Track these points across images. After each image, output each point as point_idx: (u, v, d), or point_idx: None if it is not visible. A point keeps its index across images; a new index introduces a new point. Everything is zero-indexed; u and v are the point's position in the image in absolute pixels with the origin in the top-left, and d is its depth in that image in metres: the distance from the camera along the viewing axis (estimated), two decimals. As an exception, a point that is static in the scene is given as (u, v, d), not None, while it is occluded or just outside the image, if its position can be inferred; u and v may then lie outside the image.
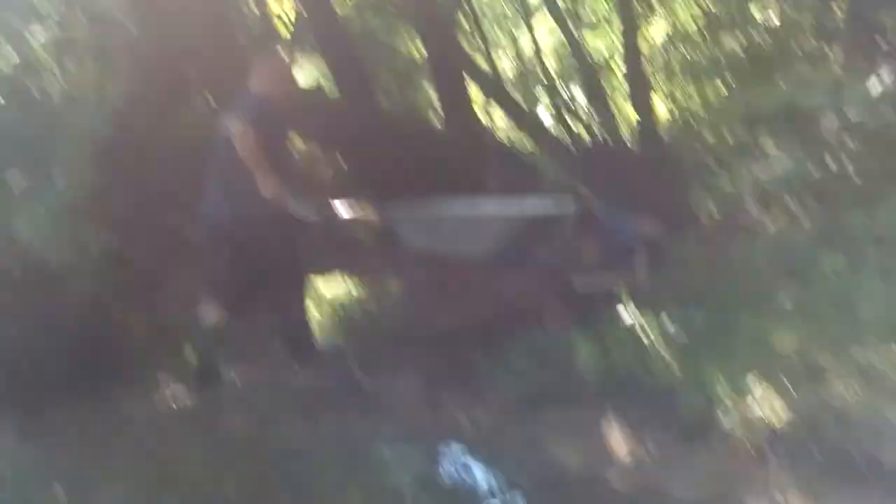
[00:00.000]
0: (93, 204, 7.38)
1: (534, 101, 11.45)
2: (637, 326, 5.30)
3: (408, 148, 8.68)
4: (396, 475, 4.64)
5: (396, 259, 7.34)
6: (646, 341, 5.16)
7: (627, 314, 5.42)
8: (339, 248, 7.53)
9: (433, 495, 4.51)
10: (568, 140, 10.39)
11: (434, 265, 7.17)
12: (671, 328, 5.19)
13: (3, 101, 8.04)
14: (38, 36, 9.28)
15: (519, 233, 6.52)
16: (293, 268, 6.47)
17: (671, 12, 10.66)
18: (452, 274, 7.14)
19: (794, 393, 4.49)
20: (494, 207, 6.85)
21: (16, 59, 8.52)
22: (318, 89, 14.56)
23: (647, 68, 10.39)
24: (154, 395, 6.54)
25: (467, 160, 7.41)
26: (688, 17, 10.80)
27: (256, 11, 13.57)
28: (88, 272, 6.79)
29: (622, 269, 5.99)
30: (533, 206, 6.72)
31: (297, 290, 6.61)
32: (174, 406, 6.38)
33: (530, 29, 11.52)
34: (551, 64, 11.91)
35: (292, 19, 14.94)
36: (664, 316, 5.29)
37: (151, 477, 5.00)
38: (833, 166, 6.74)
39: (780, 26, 9.59)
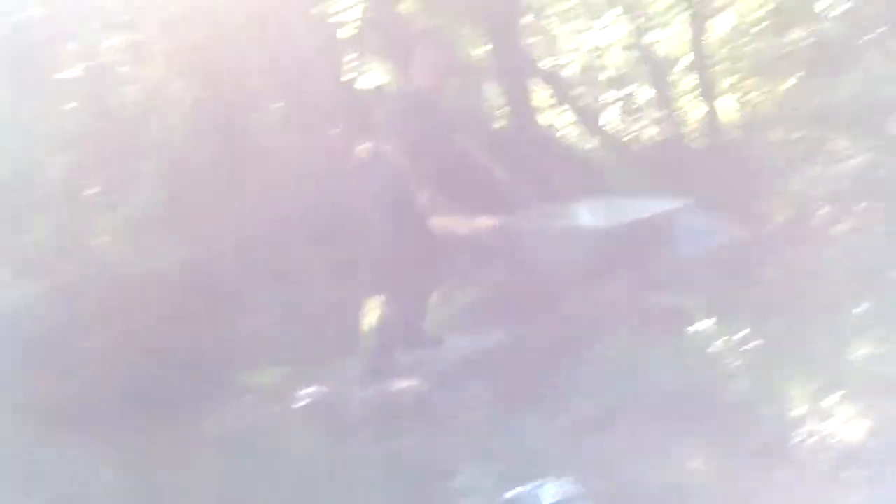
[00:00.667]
0: (170, 214, 7.49)
1: (600, 100, 11.34)
2: (712, 338, 5.24)
3: (475, 150, 8.64)
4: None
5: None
6: (721, 353, 5.10)
7: (702, 326, 5.36)
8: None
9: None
10: (636, 141, 10.29)
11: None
12: (747, 340, 5.13)
13: (77, 108, 8.15)
14: (112, 43, 9.45)
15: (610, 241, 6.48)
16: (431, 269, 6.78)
17: (737, 5, 10.51)
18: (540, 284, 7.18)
19: (874, 406, 4.41)
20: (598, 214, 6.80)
21: (90, 66, 8.64)
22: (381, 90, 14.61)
23: (713, 64, 10.26)
24: (233, 408, 6.64)
25: (535, 163, 7.35)
26: (754, 9, 10.64)
27: (323, 14, 13.64)
28: (167, 283, 6.89)
29: (699, 278, 5.92)
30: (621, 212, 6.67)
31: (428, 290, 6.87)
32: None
33: (595, 27, 11.41)
34: (617, 62, 11.79)
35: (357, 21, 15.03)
36: (739, 327, 5.22)
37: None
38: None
39: (850, 16, 9.42)
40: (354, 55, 15.01)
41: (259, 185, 11.88)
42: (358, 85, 15.14)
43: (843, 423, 4.41)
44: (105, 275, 6.64)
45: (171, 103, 10.10)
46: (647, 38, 10.65)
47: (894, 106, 6.46)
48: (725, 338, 5.21)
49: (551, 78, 10.88)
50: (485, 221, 6.84)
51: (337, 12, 14.66)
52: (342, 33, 14.77)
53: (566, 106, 11.08)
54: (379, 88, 14.52)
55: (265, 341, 8.14)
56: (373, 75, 17.03)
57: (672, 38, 11.25)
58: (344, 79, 14.43)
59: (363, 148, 6.73)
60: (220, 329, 7.79)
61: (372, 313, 7.54)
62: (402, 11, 12.85)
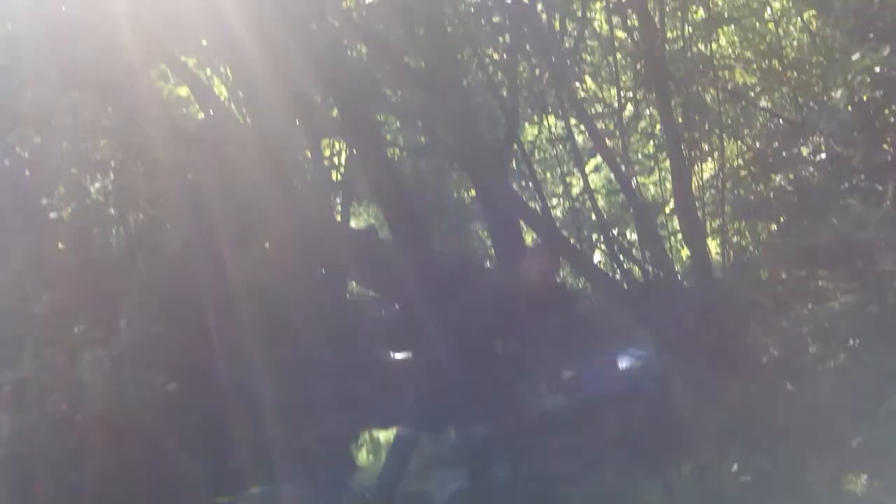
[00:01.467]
0: (154, 350, 7.49)
1: (586, 241, 11.51)
2: (705, 471, 5.20)
3: (462, 292, 8.70)
4: None
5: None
6: (715, 487, 5.05)
7: (695, 460, 5.32)
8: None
9: None
10: (622, 281, 10.38)
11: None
12: (740, 472, 5.09)
13: (66, 248, 8.21)
14: (98, 185, 9.59)
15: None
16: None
17: (720, 151, 10.73)
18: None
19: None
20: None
21: (79, 207, 8.75)
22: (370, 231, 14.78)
23: (698, 207, 10.42)
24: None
25: (523, 304, 7.38)
26: (736, 155, 10.88)
27: (310, 156, 13.89)
28: (150, 418, 6.84)
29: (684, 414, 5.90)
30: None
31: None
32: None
33: (582, 172, 11.64)
34: (602, 205, 12.02)
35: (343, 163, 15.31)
36: (732, 459, 5.18)
37: None
38: (893, 302, 6.68)
39: (830, 162, 9.63)
40: (344, 197, 15.29)
41: (247, 322, 11.91)
42: (347, 225, 15.37)
43: (841, 556, 4.36)
44: (92, 409, 6.57)
45: (158, 243, 10.20)
46: (633, 183, 10.83)
47: (876, 248, 6.54)
48: (719, 471, 5.16)
49: (539, 220, 11.02)
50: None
51: (329, 156, 14.98)
52: (333, 175, 15.08)
53: (554, 247, 11.20)
54: (367, 229, 14.73)
55: (254, 473, 8.06)
56: (362, 217, 17.29)
57: (657, 183, 11.49)
58: (333, 220, 14.66)
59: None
60: (208, 462, 7.72)
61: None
62: (391, 156, 13.13)
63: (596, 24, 11.73)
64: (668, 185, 10.96)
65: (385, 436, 11.05)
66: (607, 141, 10.78)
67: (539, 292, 6.66)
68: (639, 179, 11.32)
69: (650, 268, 9.59)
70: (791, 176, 9.84)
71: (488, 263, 14.37)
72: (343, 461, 8.89)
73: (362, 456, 9.92)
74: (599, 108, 11.49)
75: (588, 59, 11.92)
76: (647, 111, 11.37)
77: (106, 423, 6.57)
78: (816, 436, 5.71)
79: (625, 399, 6.32)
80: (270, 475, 8.68)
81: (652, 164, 11.65)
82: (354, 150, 12.79)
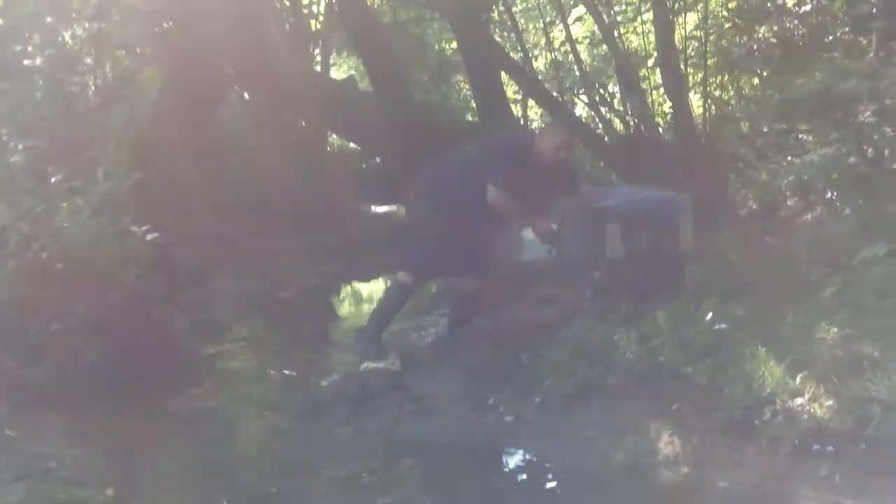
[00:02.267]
0: (134, 199, 7.46)
1: (569, 94, 11.43)
2: (680, 319, 5.28)
3: (443, 143, 8.69)
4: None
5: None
6: (689, 334, 5.14)
7: (670, 307, 5.40)
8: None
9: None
10: (603, 133, 10.37)
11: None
12: (715, 321, 5.17)
13: (41, 98, 8.10)
14: (74, 32, 9.40)
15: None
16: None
17: (703, 2, 10.60)
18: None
19: (840, 385, 4.46)
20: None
21: (52, 55, 8.60)
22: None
23: (681, 60, 10.34)
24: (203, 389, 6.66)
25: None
26: (720, 5, 10.75)
27: (288, 4, 13.64)
28: (131, 267, 6.87)
29: (668, 260, 5.96)
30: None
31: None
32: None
33: (565, 22, 11.49)
34: (585, 57, 11.90)
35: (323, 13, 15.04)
36: (707, 308, 5.26)
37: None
38: (871, 154, 6.70)
39: (813, 14, 9.54)
40: (323, 47, 15.06)
41: (226, 171, 11.91)
42: (326, 76, 15.19)
43: (810, 400, 4.45)
44: (72, 258, 6.58)
45: (135, 92, 10.08)
46: (616, 35, 10.72)
47: (857, 99, 6.51)
48: (695, 318, 5.25)
49: (521, 72, 10.95)
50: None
51: (307, 4, 14.70)
52: (312, 25, 14.82)
53: (536, 99, 11.15)
54: (347, 80, 14.57)
55: (234, 325, 8.17)
56: (341, 67, 17.06)
57: (641, 35, 11.35)
58: (312, 70, 14.46)
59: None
60: (187, 312, 7.80)
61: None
62: (371, 3, 12.88)
63: None
64: (652, 38, 10.84)
65: (367, 287, 11.18)
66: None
67: (547, 168, 6.64)
68: (621, 30, 11.18)
69: (632, 120, 9.55)
70: (775, 28, 9.76)
71: (470, 116, 14.29)
72: (324, 311, 9.01)
73: (343, 307, 10.05)
74: (583, -44, 11.27)
75: None
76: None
77: (87, 272, 6.59)
78: (791, 286, 5.79)
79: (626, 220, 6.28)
80: (253, 325, 8.81)
81: (634, 15, 11.48)
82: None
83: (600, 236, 6.25)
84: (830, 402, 4.37)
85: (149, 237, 6.97)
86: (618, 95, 10.38)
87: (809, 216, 7.54)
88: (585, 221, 6.32)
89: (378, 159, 16.98)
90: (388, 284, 7.07)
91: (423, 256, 6.76)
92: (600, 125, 10.55)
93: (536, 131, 7.08)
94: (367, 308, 9.88)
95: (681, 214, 5.97)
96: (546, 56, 13.28)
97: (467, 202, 6.54)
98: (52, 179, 6.96)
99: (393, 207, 12.32)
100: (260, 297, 9.79)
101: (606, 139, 10.18)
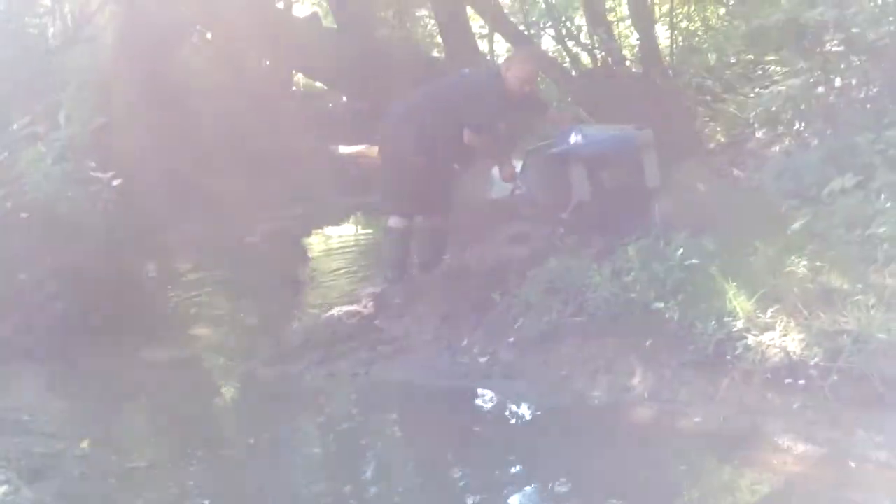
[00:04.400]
0: (97, 144, 7.38)
1: (534, 27, 11.30)
2: (651, 255, 5.28)
3: (409, 80, 8.59)
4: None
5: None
6: (659, 270, 5.15)
7: (641, 242, 5.39)
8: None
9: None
10: (570, 67, 10.27)
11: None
12: (685, 256, 5.18)
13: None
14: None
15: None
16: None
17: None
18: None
19: (810, 318, 4.49)
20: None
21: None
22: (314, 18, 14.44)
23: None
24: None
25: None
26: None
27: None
28: (95, 213, 6.80)
29: (635, 197, 5.94)
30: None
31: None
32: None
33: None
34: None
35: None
36: (677, 243, 5.27)
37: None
38: (839, 84, 6.69)
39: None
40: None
41: (189, 113, 11.74)
42: (289, 14, 14.98)
43: (781, 334, 4.48)
44: (37, 206, 6.50)
45: (96, 33, 9.90)
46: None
47: (824, 29, 6.48)
48: (665, 253, 5.25)
49: (486, 5, 10.80)
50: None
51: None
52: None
53: (502, 33, 11.04)
54: (310, 18, 14.37)
55: (203, 271, 8.13)
56: (304, 4, 16.83)
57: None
58: (274, 7, 14.25)
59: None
60: (156, 259, 7.76)
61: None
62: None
63: None
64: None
65: (335, 228, 11.14)
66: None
67: (516, 98, 6.63)
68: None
69: (599, 54, 9.47)
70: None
71: (436, 52, 14.14)
72: (292, 255, 8.98)
73: (313, 249, 10.01)
74: None
75: None
76: None
77: (53, 220, 6.52)
78: (760, 219, 5.80)
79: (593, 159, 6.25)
80: (222, 270, 8.77)
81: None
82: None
83: (564, 180, 6.22)
84: (801, 336, 4.40)
85: (114, 183, 6.91)
86: (584, 29, 10.27)
87: (777, 148, 7.53)
88: (547, 166, 6.29)
89: (344, 98, 16.85)
90: (384, 233, 7.05)
91: (402, 197, 6.76)
92: (567, 59, 10.45)
93: (502, 64, 7.01)
94: (335, 250, 9.89)
95: (644, 150, 5.95)
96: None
97: (439, 140, 6.54)
98: (14, 126, 6.87)
99: (360, 147, 12.19)
100: (228, 241, 9.74)
101: (573, 73, 10.09)
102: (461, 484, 4.26)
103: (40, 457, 4.54)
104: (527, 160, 6.49)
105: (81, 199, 6.60)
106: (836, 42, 6.46)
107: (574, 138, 6.08)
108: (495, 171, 6.96)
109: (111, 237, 7.16)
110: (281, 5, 15.09)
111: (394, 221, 6.88)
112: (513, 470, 4.43)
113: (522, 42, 10.06)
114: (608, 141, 6.05)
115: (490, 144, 6.57)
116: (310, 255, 9.35)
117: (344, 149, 15.27)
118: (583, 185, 5.90)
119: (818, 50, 6.55)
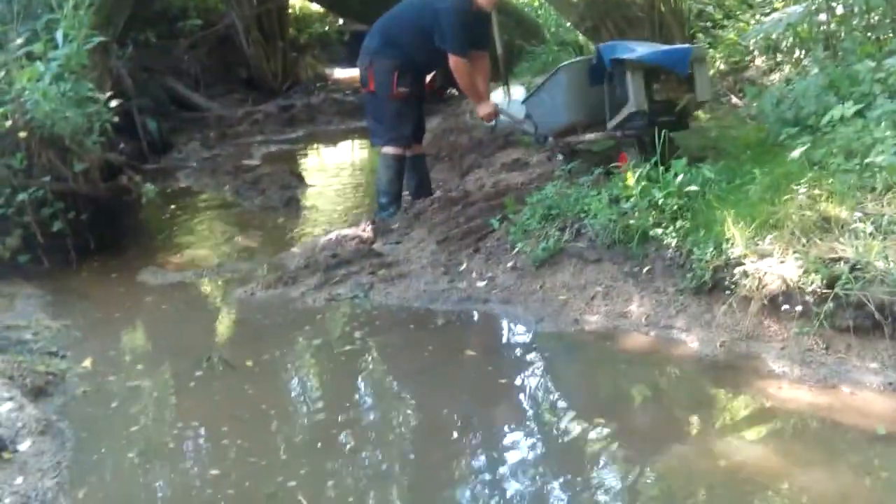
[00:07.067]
0: (95, 64, 7.33)
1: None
2: (649, 181, 5.29)
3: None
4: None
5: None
6: (658, 196, 5.16)
7: (639, 168, 5.40)
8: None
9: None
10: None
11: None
12: (683, 183, 5.19)
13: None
14: None
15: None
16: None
17: None
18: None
19: (808, 245, 4.51)
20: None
21: None
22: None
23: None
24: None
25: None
26: None
27: None
28: (95, 134, 6.78)
29: (635, 119, 5.91)
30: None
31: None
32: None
33: None
34: None
35: None
36: (677, 170, 5.27)
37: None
38: (840, 11, 6.66)
39: None
40: None
41: (186, 35, 11.66)
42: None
43: (779, 261, 4.50)
44: (35, 126, 6.47)
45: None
46: None
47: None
48: (662, 179, 5.26)
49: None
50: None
51: None
52: None
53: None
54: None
55: (202, 193, 8.12)
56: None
57: None
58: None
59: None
60: (154, 180, 7.76)
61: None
62: None
63: None
64: None
65: (333, 151, 11.11)
66: None
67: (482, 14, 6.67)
68: None
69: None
70: None
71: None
72: (290, 177, 8.97)
73: (311, 172, 10.00)
74: None
75: None
76: None
77: (52, 140, 6.50)
78: (759, 146, 5.81)
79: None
80: (220, 193, 8.78)
81: None
82: None
83: (601, 95, 6.13)
84: (798, 263, 4.41)
85: (112, 103, 6.88)
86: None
87: (777, 76, 7.52)
88: (588, 79, 6.21)
89: (340, 21, 16.71)
90: (379, 161, 7.05)
91: (392, 125, 6.79)
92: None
93: None
94: (333, 173, 9.89)
95: (697, 65, 5.92)
96: None
97: (422, 59, 6.61)
98: (11, 45, 6.80)
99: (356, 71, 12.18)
100: (225, 164, 9.74)
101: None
102: (456, 407, 4.30)
103: (44, 375, 4.60)
104: (552, 78, 6.42)
105: (79, 120, 6.56)
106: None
107: (628, 49, 6.02)
108: (493, 95, 6.99)
109: (110, 158, 7.16)
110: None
111: (388, 149, 6.89)
112: (508, 394, 4.47)
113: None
114: (665, 53, 6.00)
115: (472, 77, 6.62)
116: (308, 178, 9.34)
117: (340, 72, 15.21)
118: (640, 93, 5.83)
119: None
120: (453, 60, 6.60)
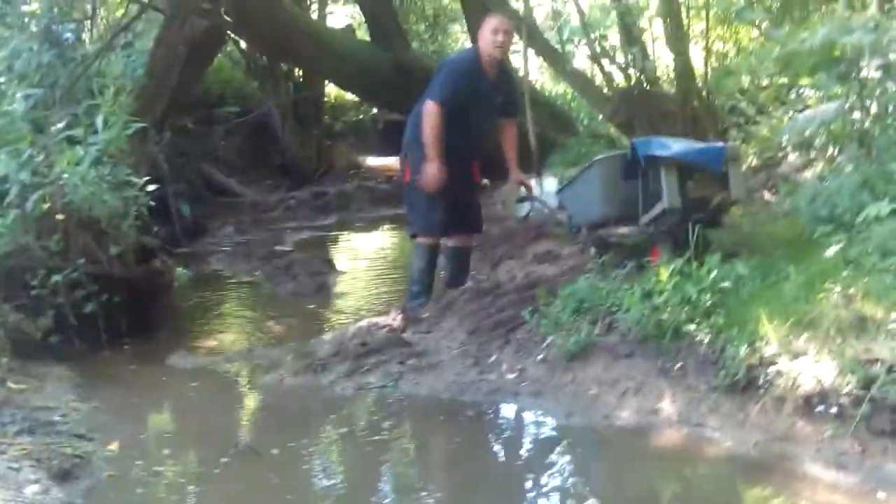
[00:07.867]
0: (133, 149, 7.43)
1: (568, 44, 11.32)
2: (683, 276, 5.27)
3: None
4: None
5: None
6: (692, 292, 5.13)
7: (673, 264, 5.38)
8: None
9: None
10: (603, 85, 10.30)
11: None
12: (717, 279, 5.16)
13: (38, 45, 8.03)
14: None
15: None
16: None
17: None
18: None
19: (843, 345, 4.46)
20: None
21: (47, 5, 8.55)
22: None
23: (683, 12, 10.26)
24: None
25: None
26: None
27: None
28: (131, 217, 6.86)
29: (667, 216, 5.92)
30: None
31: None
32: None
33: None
34: (586, 7, 11.79)
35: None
36: (710, 266, 5.25)
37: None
38: (875, 110, 6.66)
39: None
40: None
41: (223, 121, 11.82)
42: (323, 24, 15.06)
43: (814, 360, 4.45)
44: (72, 209, 6.55)
45: (132, 39, 9.99)
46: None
47: (860, 54, 6.45)
48: (697, 276, 5.23)
49: (519, 21, 10.82)
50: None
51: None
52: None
53: (535, 50, 11.05)
54: (344, 29, 14.46)
55: (233, 278, 8.15)
56: (338, 16, 16.91)
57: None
58: (309, 18, 14.34)
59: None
60: (187, 264, 7.79)
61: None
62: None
63: None
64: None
65: (365, 239, 11.15)
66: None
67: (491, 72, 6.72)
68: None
69: (633, 73, 9.48)
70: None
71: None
72: (322, 264, 9.02)
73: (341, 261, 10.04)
74: None
75: None
76: None
77: (88, 223, 6.57)
78: (793, 244, 5.79)
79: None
80: (252, 278, 8.82)
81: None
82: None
83: (635, 190, 6.15)
84: (834, 363, 4.36)
85: (148, 188, 6.97)
86: (618, 47, 10.29)
87: (810, 173, 7.52)
88: (621, 174, 6.24)
89: (375, 110, 16.92)
90: (412, 249, 7.05)
91: (426, 215, 6.79)
92: (601, 77, 10.49)
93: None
94: (364, 260, 9.92)
95: (731, 163, 5.94)
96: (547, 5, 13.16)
97: (454, 145, 6.59)
98: (52, 129, 6.93)
99: (391, 159, 12.29)
100: (258, 249, 9.80)
101: (606, 91, 10.12)
102: (485, 501, 4.25)
103: (70, 458, 4.58)
104: (586, 171, 6.46)
105: (116, 204, 6.64)
106: (873, 68, 6.43)
107: (663, 146, 6.05)
108: (518, 189, 7.04)
109: (144, 241, 7.22)
110: (315, 16, 15.17)
111: (420, 238, 6.90)
112: (538, 489, 4.41)
113: (555, 59, 10.09)
114: (699, 151, 6.03)
115: (438, 128, 6.55)
116: (339, 265, 9.37)
117: (373, 160, 15.36)
118: (674, 191, 5.85)
119: (854, 75, 6.51)
120: (426, 105, 6.54)
